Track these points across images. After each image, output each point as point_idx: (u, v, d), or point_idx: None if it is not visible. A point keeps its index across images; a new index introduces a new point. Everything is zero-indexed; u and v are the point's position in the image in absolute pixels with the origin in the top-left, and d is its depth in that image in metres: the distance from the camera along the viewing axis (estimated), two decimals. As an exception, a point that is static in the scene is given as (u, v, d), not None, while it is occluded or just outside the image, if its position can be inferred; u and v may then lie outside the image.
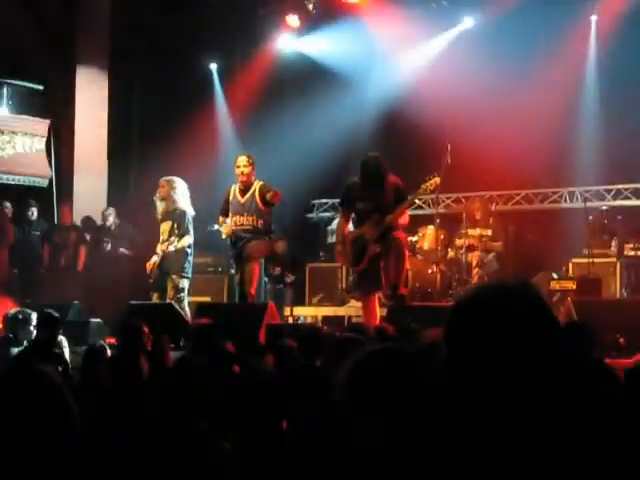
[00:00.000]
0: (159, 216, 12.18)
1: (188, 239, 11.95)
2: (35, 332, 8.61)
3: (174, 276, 11.84)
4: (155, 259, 11.91)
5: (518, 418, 2.01)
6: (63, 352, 7.95)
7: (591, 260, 13.01)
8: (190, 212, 12.10)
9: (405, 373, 2.58)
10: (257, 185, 11.43)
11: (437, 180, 10.54)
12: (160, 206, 12.15)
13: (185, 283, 11.92)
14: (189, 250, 12.02)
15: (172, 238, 11.87)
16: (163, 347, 7.25)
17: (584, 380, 5.37)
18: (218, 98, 17.82)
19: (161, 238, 12.03)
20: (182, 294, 11.84)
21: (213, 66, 17.73)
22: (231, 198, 11.54)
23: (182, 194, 12.14)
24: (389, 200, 10.35)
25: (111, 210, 15.35)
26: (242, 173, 11.38)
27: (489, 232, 13.86)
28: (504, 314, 2.06)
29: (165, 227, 12.05)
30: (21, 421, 2.31)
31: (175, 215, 12.03)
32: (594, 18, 15.34)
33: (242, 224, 11.38)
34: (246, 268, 11.26)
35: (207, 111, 17.36)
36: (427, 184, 10.54)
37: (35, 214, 15.19)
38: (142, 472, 4.31)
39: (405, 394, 2.52)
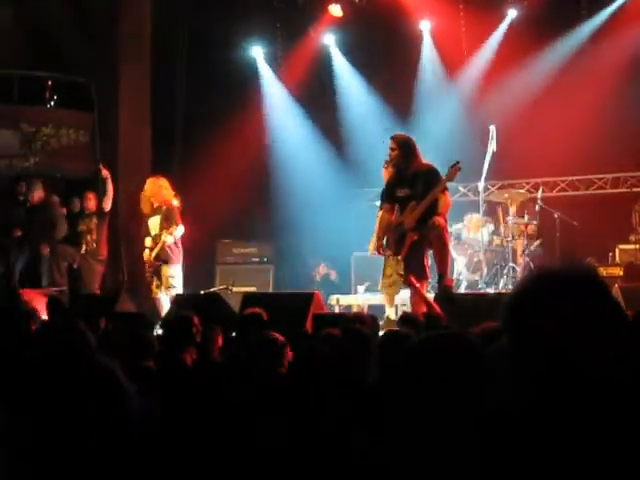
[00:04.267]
0: (145, 212, 12.97)
1: (180, 230, 12.68)
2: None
3: (169, 266, 12.62)
4: (153, 252, 12.67)
5: (593, 404, 2.00)
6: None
7: (638, 246, 12.93)
8: (176, 204, 12.84)
9: (467, 358, 2.58)
10: None
11: (458, 167, 10.41)
12: (146, 203, 12.88)
13: (177, 269, 12.68)
14: (179, 241, 12.76)
15: (164, 231, 12.56)
16: (210, 339, 7.28)
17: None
18: (265, 82, 17.75)
19: (152, 232, 12.77)
20: (173, 281, 12.57)
21: (257, 51, 17.63)
22: None
23: (167, 190, 12.85)
24: (422, 185, 10.34)
25: None
26: None
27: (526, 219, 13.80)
28: (571, 298, 2.05)
29: (153, 222, 12.81)
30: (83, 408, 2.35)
31: (163, 210, 12.72)
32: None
33: None
34: None
35: (252, 98, 17.37)
36: (450, 172, 10.43)
37: (78, 207, 15.26)
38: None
39: (467, 379, 2.52)
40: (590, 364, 2.01)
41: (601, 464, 1.98)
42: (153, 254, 12.61)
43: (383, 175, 11.57)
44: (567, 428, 2.01)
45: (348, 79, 17.10)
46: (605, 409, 2.00)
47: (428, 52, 16.45)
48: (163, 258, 12.59)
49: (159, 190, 12.76)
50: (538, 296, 2.10)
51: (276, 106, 17.44)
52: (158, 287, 12.62)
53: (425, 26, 16.43)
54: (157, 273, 12.65)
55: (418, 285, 10.51)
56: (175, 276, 12.60)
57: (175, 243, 12.65)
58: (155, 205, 12.75)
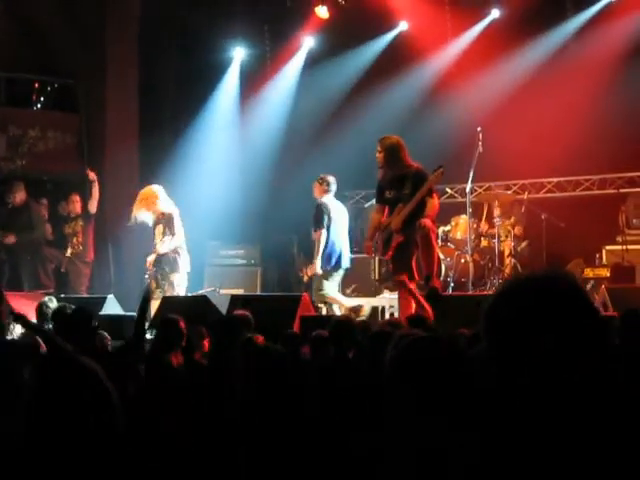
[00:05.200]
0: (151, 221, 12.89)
1: (176, 240, 12.68)
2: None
3: (169, 274, 12.64)
4: (152, 257, 12.72)
5: (564, 404, 2.02)
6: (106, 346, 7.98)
7: (625, 247, 12.96)
8: (175, 214, 12.77)
9: (451, 359, 2.59)
10: None
11: (441, 171, 10.45)
12: (148, 215, 12.82)
13: (176, 278, 12.66)
14: (179, 249, 12.73)
15: (165, 238, 12.63)
16: (193, 340, 7.30)
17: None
18: (227, 85, 17.73)
19: (155, 240, 12.77)
20: (175, 288, 12.62)
21: (239, 52, 17.61)
22: None
23: (163, 199, 12.85)
24: (410, 188, 10.37)
25: None
26: None
27: (512, 219, 13.90)
28: (545, 303, 2.07)
29: (158, 231, 12.79)
30: (67, 405, 2.35)
31: (163, 219, 12.72)
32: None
33: None
34: None
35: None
36: (434, 175, 10.45)
37: (66, 210, 15.25)
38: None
39: (453, 380, 2.54)
40: (564, 366, 2.02)
41: (581, 460, 2.00)
42: (150, 264, 12.67)
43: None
44: (546, 427, 2.02)
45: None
46: (583, 409, 2.02)
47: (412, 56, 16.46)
48: (166, 266, 12.63)
49: (144, 202, 12.79)
50: (513, 300, 2.12)
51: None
52: (158, 287, 12.62)
53: (404, 27, 16.51)
54: (156, 278, 12.66)
55: (411, 286, 10.52)
56: (179, 284, 12.64)
57: (175, 251, 12.64)
58: (158, 213, 12.74)
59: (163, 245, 12.56)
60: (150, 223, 12.82)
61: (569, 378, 2.02)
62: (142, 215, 12.80)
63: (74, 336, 6.39)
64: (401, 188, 10.46)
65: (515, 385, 2.06)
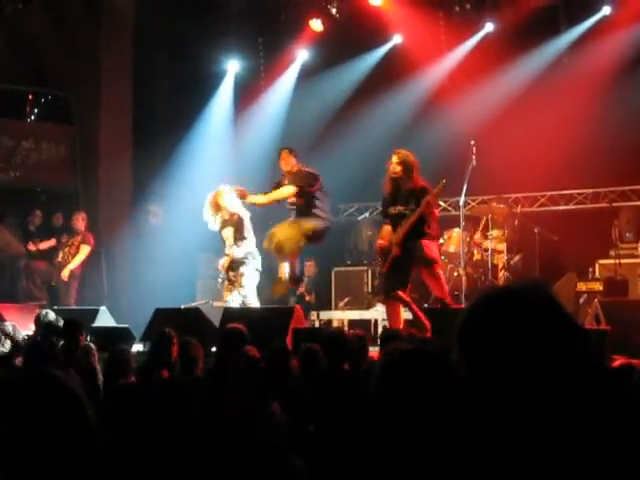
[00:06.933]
0: (217, 224, 12.50)
1: (248, 243, 12.34)
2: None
3: (239, 277, 12.33)
4: (225, 261, 12.33)
5: (532, 418, 2.02)
6: (91, 359, 7.94)
7: (618, 261, 12.97)
8: (245, 217, 12.43)
9: (440, 373, 2.59)
10: None
11: (443, 183, 10.50)
12: (217, 217, 12.44)
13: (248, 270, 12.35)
14: (250, 253, 12.37)
15: (238, 242, 12.29)
16: (193, 355, 7.24)
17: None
18: (221, 97, 17.78)
19: (227, 243, 12.40)
20: (245, 289, 12.28)
21: (233, 65, 17.62)
22: None
23: (232, 200, 12.41)
24: (415, 204, 10.39)
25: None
26: None
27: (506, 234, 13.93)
28: (514, 316, 2.08)
29: (227, 233, 12.41)
30: (32, 428, 2.28)
31: (233, 221, 12.38)
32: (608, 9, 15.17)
33: None
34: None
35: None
36: (435, 190, 10.49)
37: (61, 221, 15.27)
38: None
39: (441, 395, 2.53)
40: (540, 377, 2.03)
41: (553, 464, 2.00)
42: (224, 265, 12.33)
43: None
44: (526, 440, 2.02)
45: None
46: (562, 420, 2.02)
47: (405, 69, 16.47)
48: (237, 270, 12.33)
49: (215, 201, 12.39)
50: (487, 312, 2.13)
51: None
52: (229, 292, 12.32)
53: (398, 40, 16.55)
54: (229, 282, 12.35)
55: (407, 299, 10.53)
56: (247, 276, 12.29)
57: (245, 255, 12.32)
58: (226, 217, 12.40)
59: (239, 249, 12.21)
60: (216, 227, 12.49)
61: (546, 389, 2.03)
62: (208, 219, 12.50)
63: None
64: (406, 204, 10.51)
65: (491, 398, 2.07)
